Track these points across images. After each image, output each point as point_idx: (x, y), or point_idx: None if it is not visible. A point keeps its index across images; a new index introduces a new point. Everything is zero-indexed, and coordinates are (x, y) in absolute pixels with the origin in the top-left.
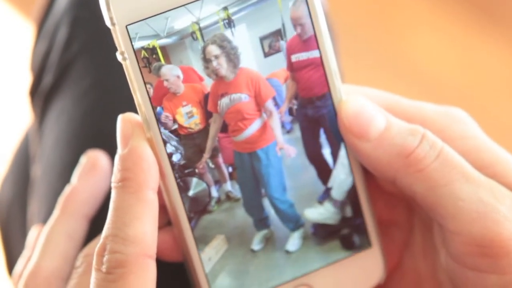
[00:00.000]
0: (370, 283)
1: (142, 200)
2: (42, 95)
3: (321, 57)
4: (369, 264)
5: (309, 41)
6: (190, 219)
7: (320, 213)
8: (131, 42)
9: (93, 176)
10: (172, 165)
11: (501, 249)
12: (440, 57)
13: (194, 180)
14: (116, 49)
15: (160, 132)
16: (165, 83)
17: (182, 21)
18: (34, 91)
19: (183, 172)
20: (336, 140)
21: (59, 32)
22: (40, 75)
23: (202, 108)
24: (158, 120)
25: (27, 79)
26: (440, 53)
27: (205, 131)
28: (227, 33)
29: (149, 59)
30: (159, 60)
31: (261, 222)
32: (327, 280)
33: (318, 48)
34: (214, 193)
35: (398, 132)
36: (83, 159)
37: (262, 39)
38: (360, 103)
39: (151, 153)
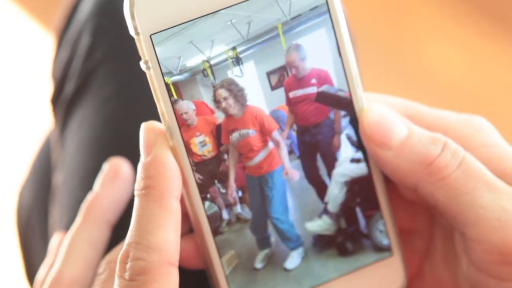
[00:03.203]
0: None
1: (165, 208)
2: (64, 103)
3: (343, 65)
4: (390, 272)
5: (303, 80)
6: (212, 227)
7: (319, 225)
8: (155, 52)
9: (115, 183)
10: (203, 162)
11: None
12: (454, 64)
13: (207, 203)
14: (139, 58)
15: (183, 141)
16: (184, 116)
17: (193, 59)
18: (56, 99)
19: None
20: (331, 161)
21: (82, 40)
22: (62, 83)
23: (214, 137)
24: (180, 129)
25: (49, 87)
26: (454, 59)
27: (217, 158)
28: (236, 70)
29: None
30: (172, 95)
31: (264, 241)
32: None
33: (340, 56)
34: (225, 215)
35: (420, 140)
36: (106, 167)
37: (269, 74)
38: (382, 111)
39: (174, 161)
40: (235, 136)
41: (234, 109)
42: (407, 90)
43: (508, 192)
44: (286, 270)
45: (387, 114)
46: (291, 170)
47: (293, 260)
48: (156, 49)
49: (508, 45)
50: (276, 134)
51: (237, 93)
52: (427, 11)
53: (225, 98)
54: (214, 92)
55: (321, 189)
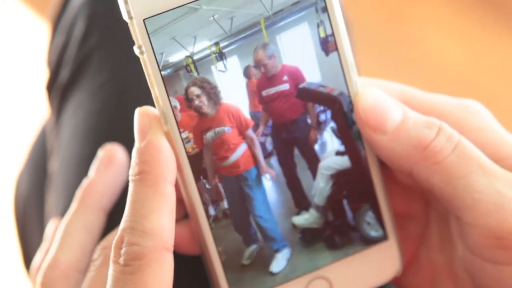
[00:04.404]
0: (387, 275)
1: (159, 193)
2: (59, 90)
3: (337, 50)
4: (385, 257)
5: (275, 78)
6: (207, 213)
7: (306, 218)
8: (149, 36)
9: (110, 169)
10: (189, 158)
11: None
12: (454, 53)
13: None
14: (133, 43)
15: (178, 126)
16: None
17: (176, 55)
18: (51, 86)
19: None
20: (311, 156)
21: (76, 27)
22: (57, 70)
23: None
24: (175, 114)
25: (44, 74)
26: (454, 49)
27: (201, 154)
28: (219, 65)
29: None
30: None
31: (250, 237)
32: (343, 273)
33: (335, 41)
34: (212, 211)
35: (415, 124)
36: (101, 153)
37: (244, 70)
38: (377, 95)
39: (169, 146)
40: (209, 135)
41: (207, 108)
42: (407, 80)
43: (503, 177)
44: (272, 274)
45: (382, 98)
46: (267, 168)
47: (279, 263)
48: (149, 33)
49: (508, 35)
50: (250, 131)
51: (210, 91)
52: (427, 0)
53: (197, 96)
54: (186, 90)
55: (299, 185)
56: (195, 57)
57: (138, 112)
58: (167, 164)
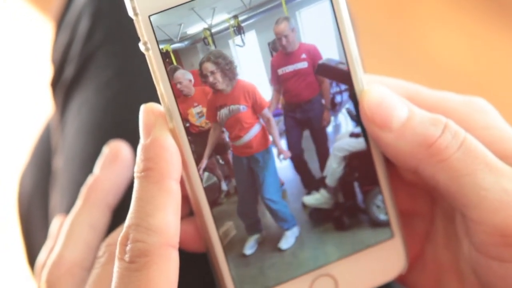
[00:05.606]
0: (392, 273)
1: (164, 190)
2: (64, 87)
3: (343, 46)
4: (391, 255)
5: (292, 55)
6: (212, 209)
7: (316, 198)
8: (154, 33)
9: (115, 166)
10: (194, 155)
11: None
12: (456, 50)
13: (206, 174)
14: (138, 40)
15: (183, 122)
16: (178, 86)
17: (194, 27)
18: (55, 83)
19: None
20: (324, 137)
21: (81, 24)
22: (62, 67)
23: None
24: (179, 109)
25: (48, 71)
26: (456, 46)
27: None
28: (237, 39)
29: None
30: (172, 63)
31: (253, 225)
32: (348, 270)
33: (341, 37)
34: (224, 187)
35: (420, 122)
36: (106, 150)
37: (270, 44)
38: (382, 92)
39: (174, 143)
40: (223, 112)
41: (222, 84)
42: (408, 76)
43: (509, 174)
44: (280, 250)
45: (387, 95)
46: (284, 150)
47: (288, 240)
48: (155, 29)
49: (510, 32)
50: (267, 111)
51: (225, 67)
52: None
53: (212, 72)
54: (200, 65)
55: (307, 166)
56: (213, 30)
57: (143, 109)
58: (172, 161)
